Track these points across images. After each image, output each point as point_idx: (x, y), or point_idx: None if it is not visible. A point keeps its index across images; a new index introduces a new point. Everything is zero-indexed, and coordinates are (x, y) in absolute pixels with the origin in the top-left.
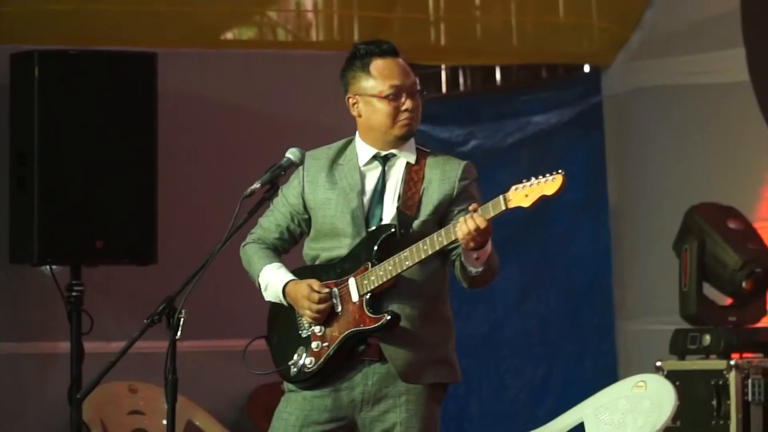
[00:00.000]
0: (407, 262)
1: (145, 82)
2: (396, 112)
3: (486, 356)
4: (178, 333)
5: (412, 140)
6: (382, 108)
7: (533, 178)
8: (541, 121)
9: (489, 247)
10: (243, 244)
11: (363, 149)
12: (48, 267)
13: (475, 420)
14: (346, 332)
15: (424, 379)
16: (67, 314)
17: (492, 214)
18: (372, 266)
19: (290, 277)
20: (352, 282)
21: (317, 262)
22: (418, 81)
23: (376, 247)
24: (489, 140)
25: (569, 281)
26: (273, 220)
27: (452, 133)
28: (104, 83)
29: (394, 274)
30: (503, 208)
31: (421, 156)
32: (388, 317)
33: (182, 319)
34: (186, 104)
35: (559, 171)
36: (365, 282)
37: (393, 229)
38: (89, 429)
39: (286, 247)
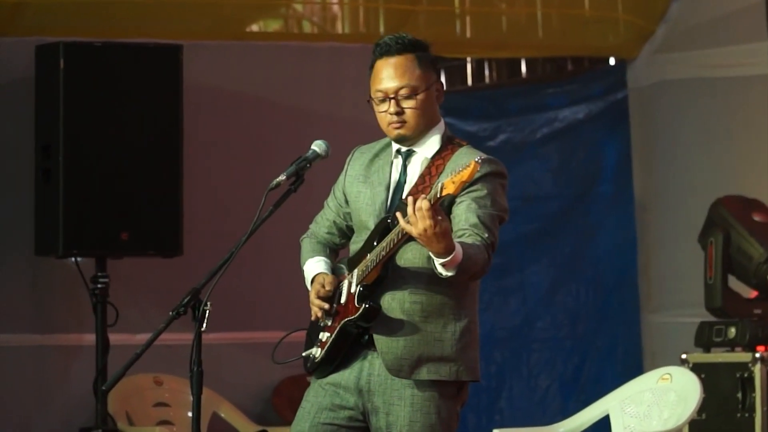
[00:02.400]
0: (383, 253)
1: (170, 74)
2: (385, 117)
3: (518, 349)
4: (204, 325)
5: (436, 132)
6: (376, 111)
7: (460, 168)
8: (568, 114)
9: (459, 255)
10: (301, 238)
11: (393, 144)
12: (73, 259)
13: (505, 412)
14: (341, 323)
15: (416, 375)
16: (93, 306)
17: (432, 202)
18: (368, 256)
19: (319, 270)
20: (354, 273)
21: (350, 255)
22: (418, 79)
23: (376, 238)
24: (516, 134)
25: (597, 274)
26: (324, 215)
27: (479, 126)
28: (129, 75)
29: (375, 264)
30: (439, 195)
31: (448, 149)
32: (366, 306)
33: (207, 311)
34: (211, 96)
35: (477, 159)
36: (359, 273)
37: (389, 221)
38: (114, 421)
39: (336, 242)
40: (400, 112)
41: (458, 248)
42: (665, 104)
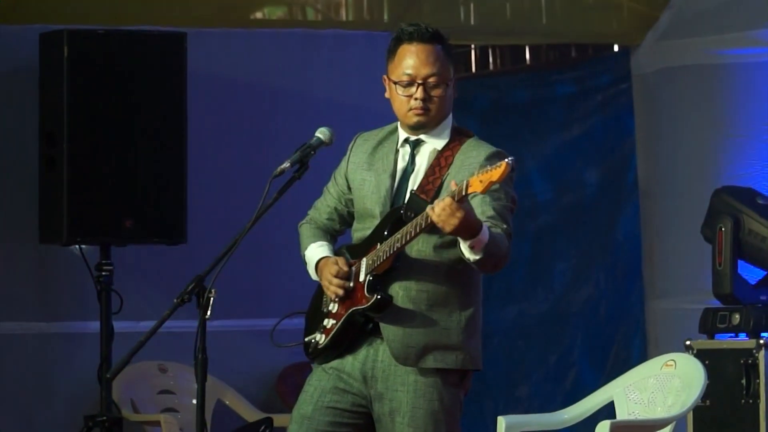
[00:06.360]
0: (397, 244)
1: (174, 61)
2: (407, 101)
3: (539, 337)
4: (208, 312)
5: (446, 125)
6: (397, 95)
7: (488, 166)
8: (572, 100)
9: (485, 236)
10: (299, 224)
11: (400, 132)
12: (77, 247)
13: (524, 400)
14: (348, 311)
15: (422, 363)
16: (97, 294)
17: (455, 199)
18: (379, 246)
19: (326, 254)
20: (363, 261)
21: (352, 242)
22: (446, 69)
23: (387, 228)
24: (531, 125)
25: (617, 262)
26: (324, 201)
27: (489, 117)
28: (133, 63)
29: (388, 254)
30: (464, 192)
31: (457, 141)
32: (378, 297)
33: (212, 299)
34: (215, 83)
35: (507, 159)
36: (369, 262)
37: (401, 212)
38: (119, 408)
39: (337, 228)
40: (426, 99)
41: (484, 229)
42: (669, 91)
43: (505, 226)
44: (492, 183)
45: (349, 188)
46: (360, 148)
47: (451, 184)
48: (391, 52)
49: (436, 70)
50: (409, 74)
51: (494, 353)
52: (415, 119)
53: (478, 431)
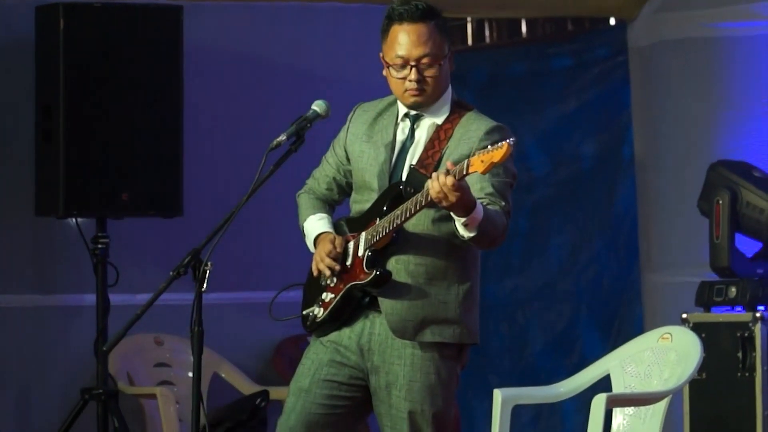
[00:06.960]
0: (397, 220)
1: (170, 34)
2: (402, 83)
3: (540, 310)
4: (204, 285)
5: (445, 99)
6: (391, 76)
7: (489, 146)
8: (568, 74)
9: (479, 214)
10: (297, 193)
11: (400, 106)
12: (73, 219)
13: (527, 373)
14: (347, 285)
15: (420, 336)
16: (93, 267)
17: (458, 177)
18: (378, 222)
19: (324, 229)
20: (362, 236)
21: (351, 214)
22: (439, 47)
23: (386, 204)
24: (515, 96)
25: (609, 236)
26: (323, 170)
27: (489, 91)
28: (130, 36)
29: (388, 230)
30: (465, 172)
31: (456, 115)
32: (377, 273)
33: (208, 272)
34: (211, 57)
35: (508, 140)
36: (369, 237)
37: (400, 187)
38: (115, 381)
39: (335, 198)
40: (420, 80)
41: (479, 207)
42: (665, 64)
43: (503, 203)
44: (493, 164)
45: (348, 159)
46: (360, 118)
47: (447, 165)
48: (384, 32)
49: (428, 50)
50: (401, 56)
51: (494, 327)
52: (411, 100)
53: (481, 404)
